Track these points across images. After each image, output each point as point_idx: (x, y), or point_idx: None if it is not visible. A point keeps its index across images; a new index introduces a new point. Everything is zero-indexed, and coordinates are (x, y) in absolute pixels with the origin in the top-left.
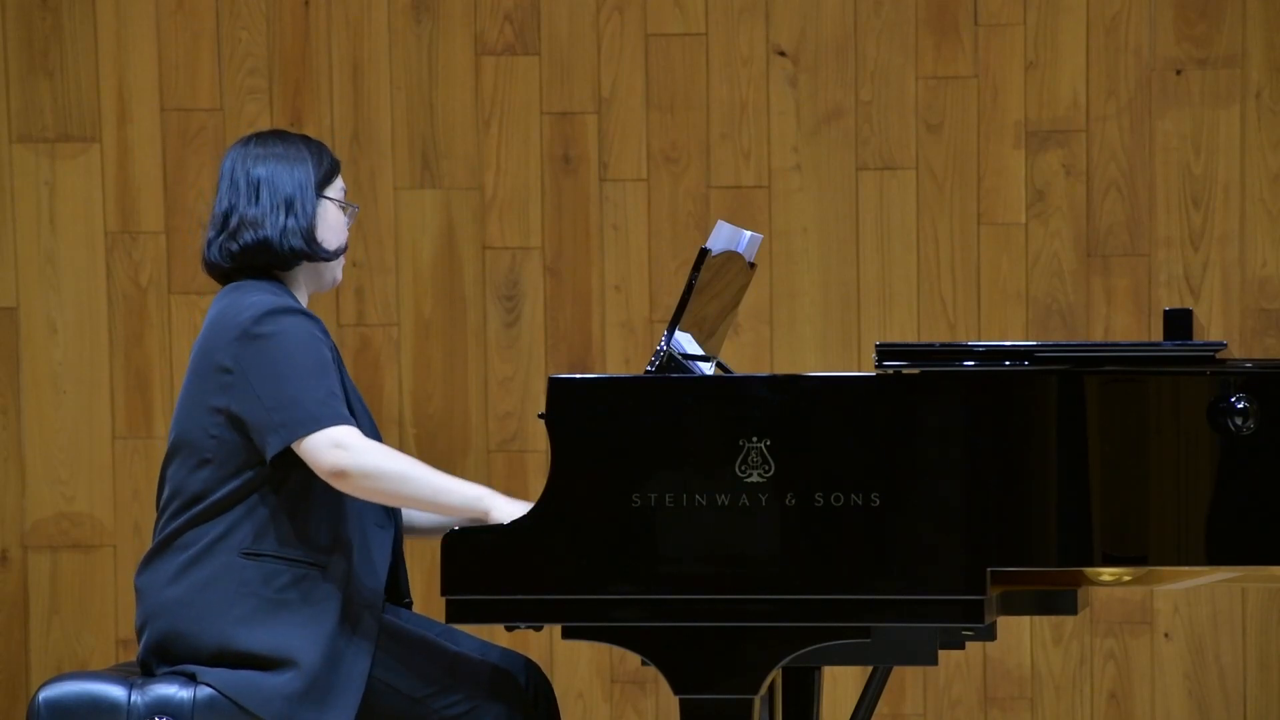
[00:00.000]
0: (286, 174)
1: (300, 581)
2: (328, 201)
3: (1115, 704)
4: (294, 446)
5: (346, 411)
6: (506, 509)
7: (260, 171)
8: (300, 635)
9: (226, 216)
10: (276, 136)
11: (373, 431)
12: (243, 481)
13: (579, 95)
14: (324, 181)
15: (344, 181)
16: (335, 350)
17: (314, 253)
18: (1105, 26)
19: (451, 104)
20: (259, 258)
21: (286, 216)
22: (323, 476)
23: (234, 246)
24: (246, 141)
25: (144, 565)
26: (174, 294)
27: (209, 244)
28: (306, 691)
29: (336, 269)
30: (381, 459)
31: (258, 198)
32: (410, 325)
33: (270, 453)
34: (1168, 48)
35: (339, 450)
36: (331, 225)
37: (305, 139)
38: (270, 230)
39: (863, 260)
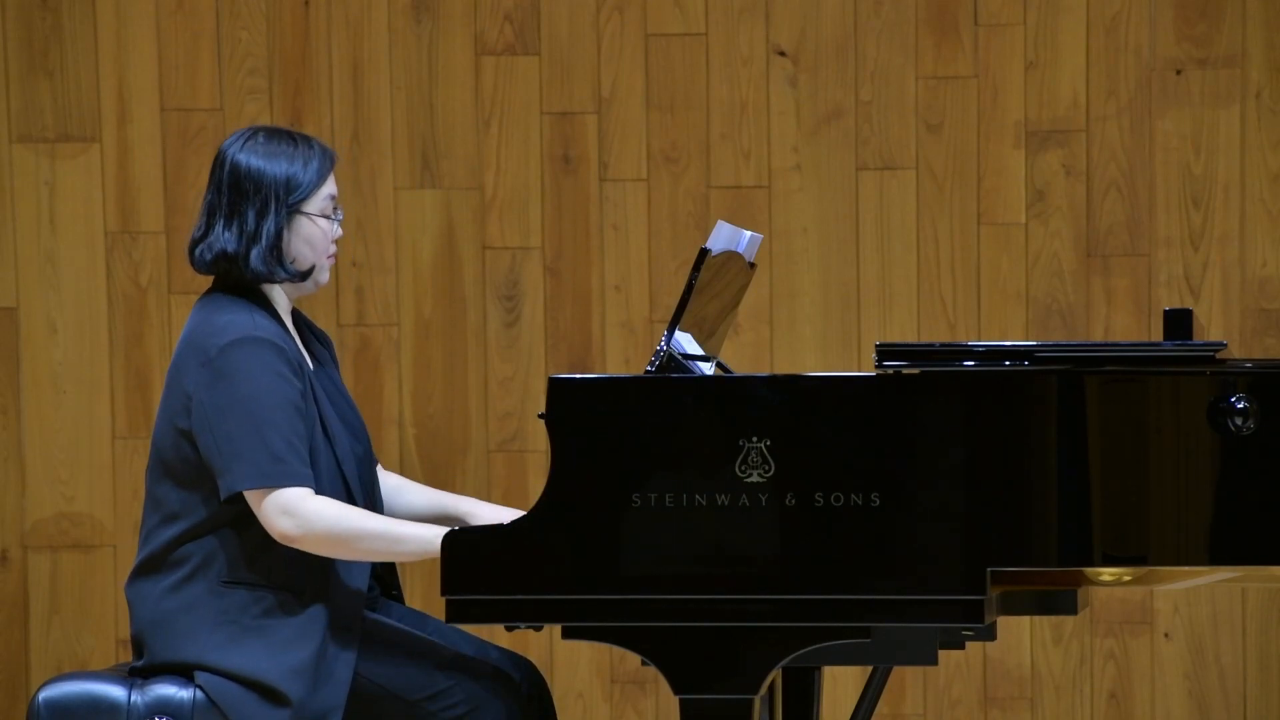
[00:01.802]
0: (261, 187)
1: (278, 607)
2: (302, 217)
3: (1115, 704)
4: (247, 497)
5: (302, 465)
6: None
7: (241, 177)
8: (283, 662)
9: (209, 219)
10: (269, 138)
11: (355, 443)
12: (218, 509)
13: (579, 95)
14: (306, 194)
15: (336, 185)
16: (304, 374)
17: (274, 276)
18: (1105, 26)
19: (451, 104)
20: (228, 273)
21: (252, 241)
22: (274, 537)
23: (208, 256)
24: (240, 138)
25: (131, 578)
26: (174, 294)
27: (193, 245)
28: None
29: (320, 273)
30: (330, 523)
31: (232, 210)
32: (410, 325)
33: (222, 494)
34: (1168, 48)
35: (287, 518)
36: (308, 238)
37: (294, 143)
38: (236, 249)
39: (863, 260)
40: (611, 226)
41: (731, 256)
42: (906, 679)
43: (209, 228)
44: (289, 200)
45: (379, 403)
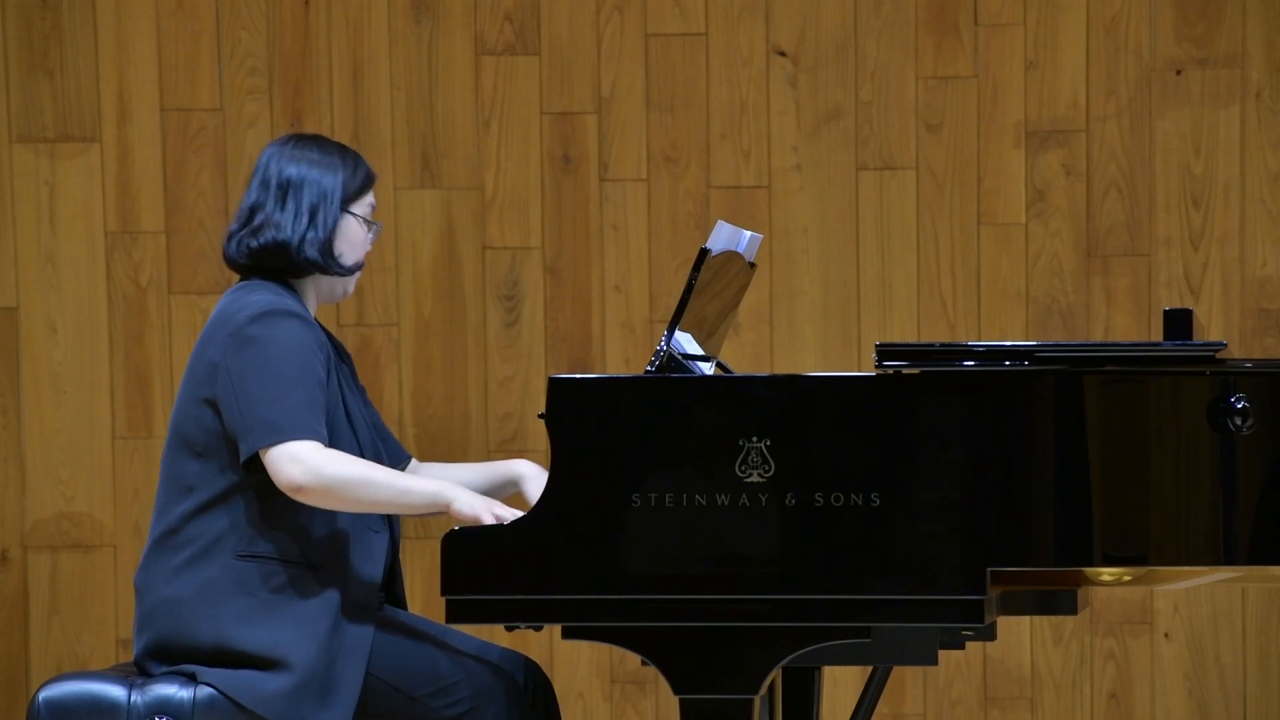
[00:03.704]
0: (316, 182)
1: (295, 582)
2: (351, 217)
3: (1115, 704)
4: (261, 455)
5: (317, 423)
6: (466, 498)
7: (291, 173)
8: (296, 634)
9: (251, 212)
10: (316, 142)
11: (372, 441)
12: (235, 479)
13: (579, 95)
14: (352, 196)
15: (375, 197)
16: (333, 358)
17: (327, 266)
18: (1105, 26)
19: (451, 104)
20: (274, 260)
21: (308, 226)
22: (283, 491)
23: (253, 243)
24: (286, 141)
25: (145, 559)
26: (174, 294)
27: (230, 236)
28: (303, 689)
29: (349, 283)
30: (337, 469)
31: (284, 201)
32: (410, 325)
33: (242, 456)
34: (1168, 48)
35: (293, 464)
36: (351, 240)
37: (343, 149)
38: (289, 235)
39: (863, 260)
40: (611, 226)
41: (731, 256)
42: (906, 679)
43: (251, 220)
44: (341, 197)
45: (379, 403)
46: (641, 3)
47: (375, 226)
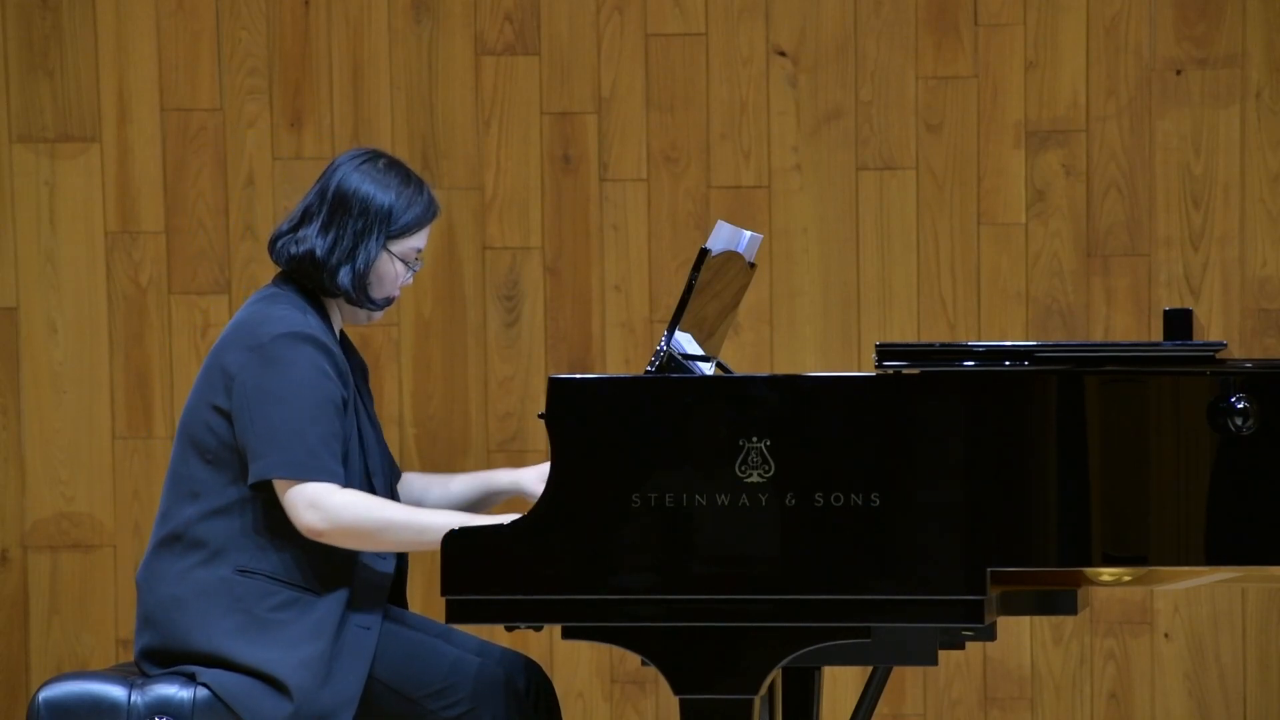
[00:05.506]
0: (364, 209)
1: (294, 603)
2: (387, 255)
3: (1115, 704)
4: (275, 486)
5: (334, 462)
6: None
7: (347, 192)
8: (289, 657)
9: (304, 215)
10: (387, 167)
11: (382, 466)
12: (242, 492)
13: (579, 95)
14: (399, 233)
15: (427, 239)
16: (350, 381)
17: (357, 299)
18: (1105, 26)
19: (451, 104)
20: (306, 275)
21: (347, 257)
22: (300, 533)
23: (294, 250)
24: (360, 154)
25: (147, 559)
26: (174, 294)
27: (279, 234)
28: (296, 712)
29: (376, 313)
30: (354, 515)
31: (331, 218)
32: (410, 325)
33: (250, 479)
34: (1168, 48)
35: (313, 511)
36: (381, 274)
37: (407, 180)
38: (324, 258)
39: (863, 260)
40: (611, 226)
41: (731, 256)
42: (906, 679)
43: (301, 226)
44: (386, 233)
45: (379, 403)
46: (641, 3)
47: (414, 267)
